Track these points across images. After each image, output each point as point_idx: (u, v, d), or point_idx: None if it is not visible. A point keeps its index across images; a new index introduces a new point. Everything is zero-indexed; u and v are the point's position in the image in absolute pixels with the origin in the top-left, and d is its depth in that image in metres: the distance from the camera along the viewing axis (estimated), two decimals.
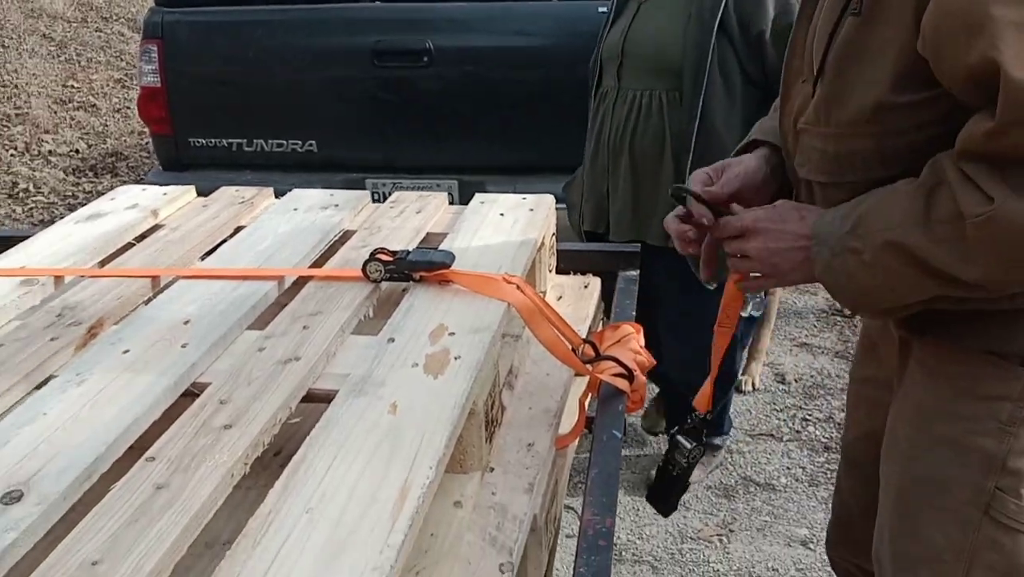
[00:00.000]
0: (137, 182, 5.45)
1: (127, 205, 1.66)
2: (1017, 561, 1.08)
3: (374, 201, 3.04)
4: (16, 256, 1.42)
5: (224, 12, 3.05)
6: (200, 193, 3.01)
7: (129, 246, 1.49)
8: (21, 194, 5.23)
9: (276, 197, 1.82)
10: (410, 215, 1.61)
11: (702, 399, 1.33)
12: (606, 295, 1.63)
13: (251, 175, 3.13)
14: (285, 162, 3.11)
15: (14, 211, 5.00)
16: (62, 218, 1.61)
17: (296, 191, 1.74)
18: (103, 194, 5.64)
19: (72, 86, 7.46)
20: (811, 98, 1.11)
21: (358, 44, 2.93)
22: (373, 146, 3.05)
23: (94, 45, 8.92)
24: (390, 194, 3.04)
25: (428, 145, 2.99)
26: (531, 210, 1.58)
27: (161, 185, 3.08)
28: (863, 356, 1.38)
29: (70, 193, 5.31)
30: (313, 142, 3.08)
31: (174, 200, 1.72)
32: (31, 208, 5.03)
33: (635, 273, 1.63)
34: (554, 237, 1.64)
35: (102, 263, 1.44)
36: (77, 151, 6.09)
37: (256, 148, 3.11)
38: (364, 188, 3.07)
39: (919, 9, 0.95)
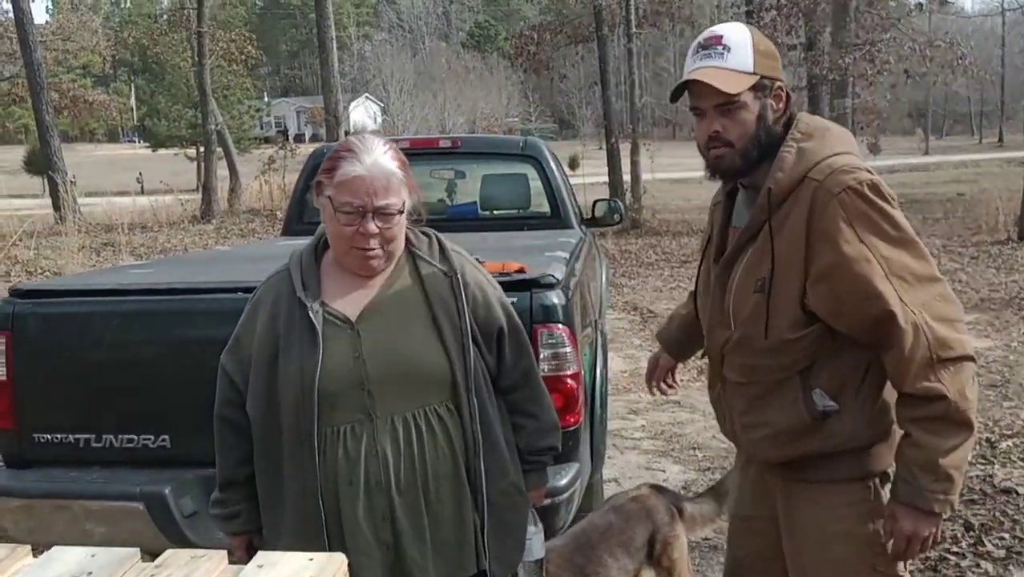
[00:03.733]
0: None
1: None
2: None
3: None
4: None
5: (77, 303, 2.94)
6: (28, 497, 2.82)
7: None
8: None
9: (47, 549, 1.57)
10: None
11: None
12: None
13: (99, 472, 2.91)
14: (136, 458, 2.89)
15: None
16: None
17: (54, 550, 1.50)
18: None
19: None
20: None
21: (217, 336, 2.79)
22: None
23: None
24: None
25: None
26: None
27: None
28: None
29: None
30: (166, 437, 2.88)
31: None
32: None
33: None
34: None
35: None
36: None
37: (105, 444, 2.90)
38: None
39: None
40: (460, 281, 2.03)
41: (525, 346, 2.15)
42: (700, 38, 1.95)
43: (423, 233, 2.12)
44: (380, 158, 1.93)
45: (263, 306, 2.04)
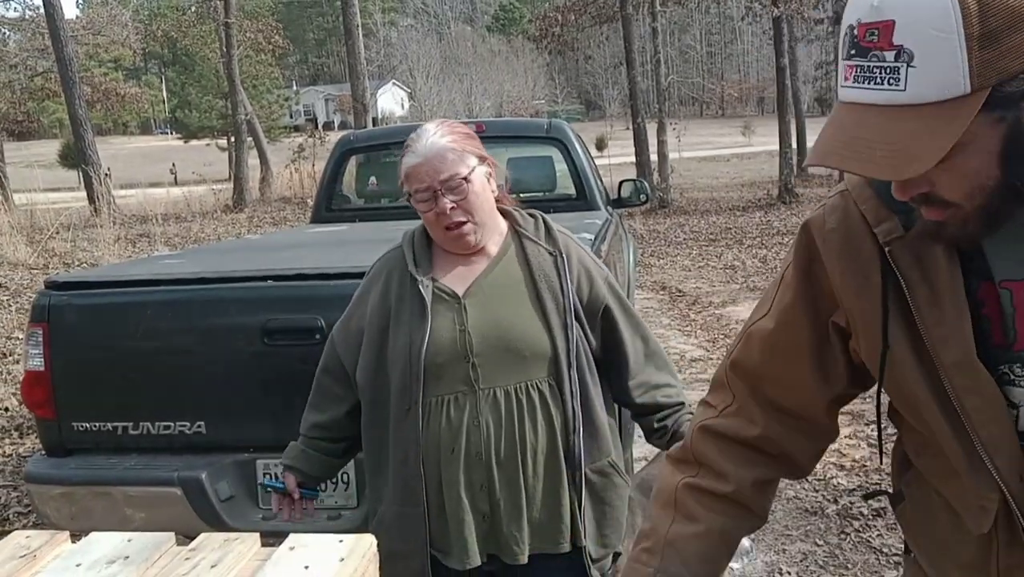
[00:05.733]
0: None
1: None
2: None
3: (266, 487, 2.92)
4: None
5: (111, 294, 2.99)
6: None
7: None
8: None
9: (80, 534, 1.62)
10: (204, 569, 1.41)
11: None
12: None
13: (137, 459, 2.98)
14: (173, 445, 2.95)
15: None
16: None
17: (92, 535, 1.55)
18: (25, 458, 5.32)
19: (16, 338, 7.40)
20: None
21: (248, 323, 2.85)
22: (264, 426, 2.90)
23: None
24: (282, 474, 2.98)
25: None
26: (342, 560, 1.39)
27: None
28: None
29: None
30: (202, 423, 2.93)
31: None
32: None
33: None
34: None
35: None
36: (6, 409, 5.92)
37: (142, 431, 2.96)
38: (255, 469, 2.93)
39: None
40: (564, 260, 2.08)
41: (639, 321, 2.20)
42: (852, 18, 0.94)
43: (529, 214, 2.17)
44: (431, 138, 2.00)
45: (376, 282, 2.12)
